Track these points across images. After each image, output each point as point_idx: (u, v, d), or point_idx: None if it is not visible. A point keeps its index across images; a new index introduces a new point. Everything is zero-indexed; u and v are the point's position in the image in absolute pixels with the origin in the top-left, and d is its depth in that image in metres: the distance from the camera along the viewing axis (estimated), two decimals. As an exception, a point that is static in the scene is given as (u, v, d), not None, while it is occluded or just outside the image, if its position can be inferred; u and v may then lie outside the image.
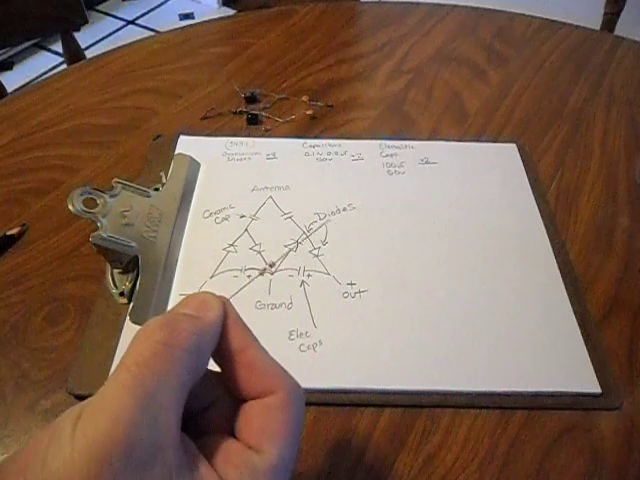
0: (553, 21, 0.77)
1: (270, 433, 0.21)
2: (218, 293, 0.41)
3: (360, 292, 0.42)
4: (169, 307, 0.41)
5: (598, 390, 0.37)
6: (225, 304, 0.24)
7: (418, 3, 0.81)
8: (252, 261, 0.44)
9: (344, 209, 0.49)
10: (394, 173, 0.52)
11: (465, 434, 0.35)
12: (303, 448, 0.35)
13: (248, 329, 0.24)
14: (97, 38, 2.13)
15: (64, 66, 0.98)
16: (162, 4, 2.37)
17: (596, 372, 0.38)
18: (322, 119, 0.60)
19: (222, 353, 0.23)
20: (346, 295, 0.42)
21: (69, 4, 0.93)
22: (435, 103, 0.62)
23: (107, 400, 0.18)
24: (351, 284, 0.43)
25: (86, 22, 0.99)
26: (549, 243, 0.46)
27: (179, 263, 0.44)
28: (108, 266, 0.43)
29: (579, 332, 0.40)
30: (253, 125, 0.59)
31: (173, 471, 0.19)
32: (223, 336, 0.23)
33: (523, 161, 0.54)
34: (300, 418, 0.22)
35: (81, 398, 0.36)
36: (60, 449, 0.17)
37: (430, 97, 0.63)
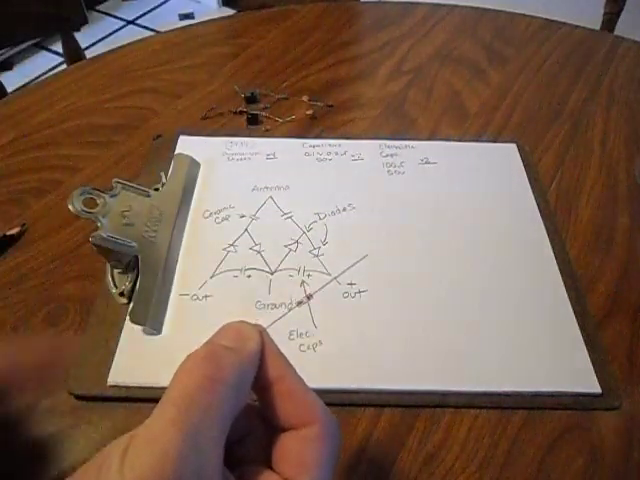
0: (553, 21, 0.77)
1: (307, 466, 0.22)
2: (218, 293, 0.41)
3: (360, 292, 0.42)
4: (169, 307, 0.41)
5: (598, 390, 0.37)
6: (262, 334, 0.24)
7: (418, 3, 0.81)
8: (252, 261, 0.44)
9: (344, 209, 0.49)
10: (394, 173, 0.52)
11: (465, 434, 0.35)
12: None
13: (284, 358, 0.24)
14: (97, 38, 2.13)
15: (64, 66, 0.98)
16: (162, 4, 2.37)
17: (596, 372, 0.38)
18: (322, 119, 0.60)
19: (259, 383, 0.23)
20: (346, 295, 0.42)
21: (69, 4, 0.93)
22: (435, 103, 0.62)
23: (154, 434, 0.19)
24: (351, 284, 0.43)
25: (86, 22, 0.99)
26: (549, 243, 0.46)
27: (179, 263, 0.44)
28: (108, 266, 0.43)
29: (579, 332, 0.40)
30: (253, 125, 0.59)
31: None
32: (261, 366, 0.23)
33: (523, 161, 0.54)
34: (336, 451, 0.22)
35: (81, 398, 0.36)
36: None
37: (430, 97, 0.63)
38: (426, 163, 0.54)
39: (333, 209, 0.49)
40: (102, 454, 0.19)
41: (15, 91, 0.78)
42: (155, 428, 0.19)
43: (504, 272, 0.44)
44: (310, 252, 0.45)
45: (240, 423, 0.23)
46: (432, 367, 0.38)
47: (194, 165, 0.52)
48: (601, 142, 0.58)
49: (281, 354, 0.24)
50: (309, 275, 0.43)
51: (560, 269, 0.44)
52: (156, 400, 0.21)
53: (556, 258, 0.45)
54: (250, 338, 0.23)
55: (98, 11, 2.31)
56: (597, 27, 0.96)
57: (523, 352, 0.39)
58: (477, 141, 0.57)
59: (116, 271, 0.43)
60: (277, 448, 0.23)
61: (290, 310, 0.42)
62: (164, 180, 0.49)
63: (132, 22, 2.26)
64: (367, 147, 0.55)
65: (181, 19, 2.28)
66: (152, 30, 2.20)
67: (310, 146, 0.55)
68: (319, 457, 0.22)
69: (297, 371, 0.23)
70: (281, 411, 0.23)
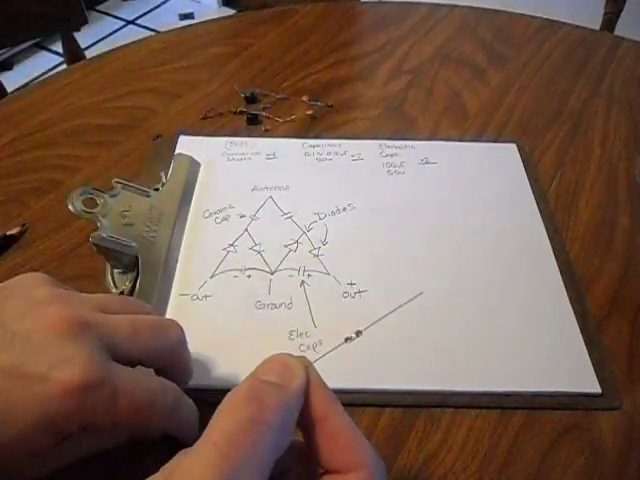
0: (553, 21, 0.77)
1: None
2: (218, 293, 0.41)
3: (360, 292, 0.42)
4: (169, 307, 0.41)
5: (598, 390, 0.37)
6: (308, 368, 0.23)
7: (418, 3, 0.81)
8: (252, 261, 0.44)
9: (344, 209, 0.49)
10: (394, 173, 0.52)
11: (465, 434, 0.35)
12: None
13: (331, 394, 0.23)
14: (97, 38, 2.13)
15: (64, 66, 0.98)
16: (162, 4, 2.38)
17: (596, 372, 0.38)
18: (322, 119, 0.60)
19: (304, 420, 0.22)
20: (346, 295, 0.42)
21: (69, 4, 0.93)
22: (435, 103, 0.62)
23: (194, 477, 0.18)
24: (351, 284, 0.43)
25: (86, 22, 0.99)
26: (549, 243, 0.46)
27: (179, 263, 0.44)
28: (108, 266, 0.43)
29: (579, 332, 0.40)
30: (253, 125, 0.59)
31: None
32: (305, 403, 0.22)
33: (523, 161, 0.54)
34: None
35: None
36: None
37: (430, 97, 0.63)
38: (426, 163, 0.54)
39: (333, 209, 0.49)
40: None
41: (15, 91, 0.78)
42: (195, 471, 0.18)
43: (504, 272, 0.44)
44: (310, 252, 0.45)
45: (283, 458, 0.22)
46: (432, 367, 0.38)
47: (194, 165, 0.52)
48: (601, 142, 0.58)
49: (328, 391, 0.23)
50: (309, 275, 0.43)
51: (560, 269, 0.44)
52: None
53: (556, 258, 0.45)
54: (296, 375, 0.22)
55: (98, 11, 2.31)
56: (597, 27, 0.96)
57: (523, 352, 0.39)
58: (477, 141, 0.57)
59: (116, 271, 0.43)
60: None
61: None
62: (164, 180, 0.49)
63: (132, 22, 2.26)
64: (367, 147, 0.55)
65: (181, 19, 2.28)
66: (152, 30, 2.20)
67: (310, 146, 0.55)
68: None
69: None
70: (326, 453, 0.22)
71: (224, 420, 0.20)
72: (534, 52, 0.71)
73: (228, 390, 0.35)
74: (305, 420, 0.22)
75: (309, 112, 0.60)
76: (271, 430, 0.20)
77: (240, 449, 0.19)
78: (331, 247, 0.46)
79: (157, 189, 0.47)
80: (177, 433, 0.30)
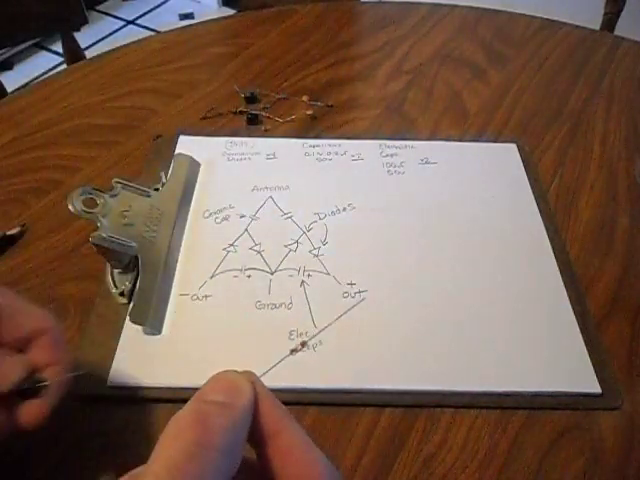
0: (553, 21, 0.77)
1: None
2: (218, 293, 0.41)
3: (360, 292, 0.42)
4: (169, 307, 0.41)
5: (598, 390, 0.37)
6: (255, 384, 0.22)
7: (418, 3, 0.81)
8: (252, 261, 0.44)
9: (344, 209, 0.49)
10: (394, 173, 0.52)
11: (465, 434, 0.35)
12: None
13: (281, 407, 0.22)
14: (97, 38, 2.13)
15: (64, 66, 0.98)
16: (162, 4, 2.37)
17: (596, 372, 0.38)
18: (322, 119, 0.60)
19: (255, 437, 0.21)
20: (346, 295, 0.42)
21: (69, 4, 0.93)
22: (435, 103, 0.62)
23: None
24: (351, 284, 0.43)
25: (86, 22, 0.99)
26: (549, 243, 0.46)
27: (179, 263, 0.44)
28: (108, 266, 0.43)
29: (579, 332, 0.40)
30: (253, 125, 0.59)
31: None
32: (255, 419, 0.21)
33: (523, 161, 0.54)
34: None
35: (81, 398, 0.36)
36: None
37: (430, 97, 0.63)
38: (426, 163, 0.54)
39: (333, 209, 0.49)
40: None
41: (15, 91, 0.78)
42: None
43: (504, 272, 0.44)
44: (310, 252, 0.45)
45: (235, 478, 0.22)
46: (432, 367, 0.38)
47: (194, 165, 0.52)
48: (601, 142, 0.58)
49: (278, 405, 0.22)
50: (309, 275, 0.43)
51: (560, 269, 0.44)
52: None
53: (556, 258, 0.45)
54: (242, 391, 0.21)
55: (98, 11, 2.31)
56: (597, 27, 0.96)
57: (523, 352, 0.39)
58: (477, 141, 0.57)
59: (116, 271, 0.43)
60: None
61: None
62: (164, 180, 0.49)
63: (132, 22, 2.26)
64: (367, 147, 0.55)
65: (181, 19, 2.28)
66: (152, 30, 2.20)
67: (310, 146, 0.55)
68: None
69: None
70: (279, 468, 0.21)
71: (167, 447, 0.18)
72: (534, 52, 0.71)
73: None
74: (256, 436, 0.21)
75: (309, 112, 0.60)
76: (219, 454, 0.19)
77: (185, 477, 0.18)
78: (331, 247, 0.46)
79: (157, 189, 0.47)
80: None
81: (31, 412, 0.28)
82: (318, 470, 0.21)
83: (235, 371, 0.22)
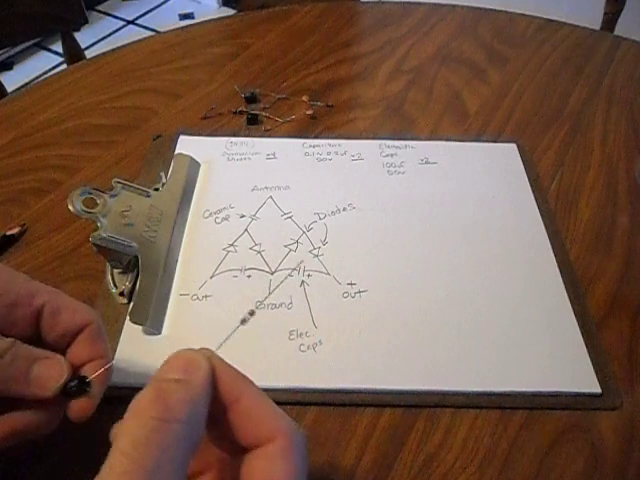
0: (553, 21, 0.77)
1: None
2: (218, 293, 0.41)
3: (360, 292, 0.42)
4: (169, 307, 0.41)
5: (598, 390, 0.37)
6: (211, 358, 0.23)
7: (418, 3, 0.81)
8: (252, 261, 0.44)
9: (344, 209, 0.49)
10: (394, 173, 0.52)
11: (465, 434, 0.35)
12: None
13: (239, 376, 0.23)
14: (97, 38, 2.13)
15: (64, 66, 0.98)
16: (162, 4, 2.37)
17: (596, 372, 0.38)
18: (322, 119, 0.60)
19: (217, 407, 0.22)
20: (346, 295, 0.42)
21: (69, 4, 0.93)
22: (435, 103, 0.62)
23: None
24: (351, 284, 0.43)
25: (86, 22, 0.99)
26: (549, 243, 0.46)
27: (179, 263, 0.44)
28: (108, 266, 0.43)
29: (579, 332, 0.40)
30: (253, 125, 0.59)
31: None
32: (215, 390, 0.22)
33: (523, 161, 0.54)
34: (303, 463, 0.22)
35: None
36: None
37: (430, 97, 0.63)
38: (426, 163, 0.54)
39: (333, 209, 0.49)
40: None
41: (15, 91, 0.78)
42: None
43: (504, 272, 0.44)
44: (310, 252, 0.45)
45: (201, 456, 0.23)
46: (432, 367, 0.38)
47: (194, 165, 0.52)
48: (601, 142, 0.58)
49: (235, 374, 0.23)
50: (309, 275, 0.43)
51: (560, 269, 0.44)
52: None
53: (556, 258, 0.45)
54: (199, 367, 0.22)
55: (98, 11, 2.31)
56: (597, 27, 0.96)
57: (523, 352, 0.39)
58: (477, 141, 0.57)
59: (116, 271, 0.43)
60: (244, 471, 0.22)
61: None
62: (164, 180, 0.49)
63: (132, 22, 2.26)
64: (367, 147, 0.55)
65: (181, 19, 2.28)
66: (152, 30, 2.20)
67: (310, 146, 0.55)
68: (287, 472, 0.21)
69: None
70: (243, 431, 0.22)
71: (130, 427, 0.19)
72: (534, 52, 0.71)
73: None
74: (218, 407, 0.22)
75: (309, 112, 0.60)
76: (182, 426, 0.20)
77: (151, 451, 0.18)
78: (331, 247, 0.46)
79: (157, 189, 0.47)
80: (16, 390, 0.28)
81: (78, 410, 0.29)
82: (278, 427, 0.22)
83: (191, 349, 0.23)
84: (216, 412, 0.22)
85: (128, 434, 0.19)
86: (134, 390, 0.37)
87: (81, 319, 0.29)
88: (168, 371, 0.22)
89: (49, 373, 0.27)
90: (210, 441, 0.24)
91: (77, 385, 0.28)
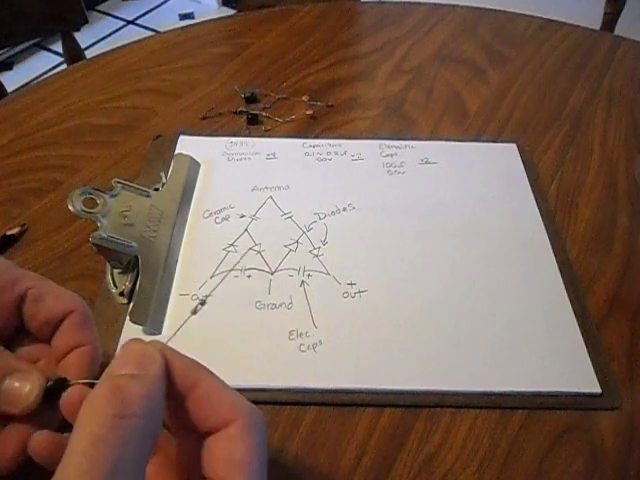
0: (553, 21, 0.77)
1: (236, 462, 0.21)
2: (218, 293, 0.41)
3: (360, 292, 0.42)
4: (169, 307, 0.41)
5: (598, 390, 0.37)
6: (163, 350, 0.23)
7: (418, 3, 0.81)
8: (252, 261, 0.44)
9: (344, 209, 0.49)
10: (394, 173, 0.52)
11: (465, 434, 0.35)
12: (303, 448, 0.35)
13: (195, 364, 0.23)
14: (97, 38, 2.13)
15: (64, 66, 0.98)
16: (162, 4, 2.37)
17: (596, 372, 0.38)
18: (322, 119, 0.60)
19: (174, 397, 0.22)
20: (346, 295, 0.42)
21: (69, 4, 0.93)
22: (435, 103, 0.62)
23: None
24: (351, 284, 0.43)
25: (86, 22, 0.99)
26: (549, 243, 0.46)
27: (179, 263, 0.44)
28: (108, 266, 0.43)
29: (579, 332, 0.40)
30: (253, 125, 0.59)
31: None
32: (170, 382, 0.22)
33: (523, 161, 0.54)
34: (263, 442, 0.22)
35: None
36: None
37: (430, 97, 0.63)
38: (426, 163, 0.54)
39: (333, 209, 0.49)
40: None
41: (15, 91, 0.78)
42: None
43: (504, 272, 0.44)
44: (310, 252, 0.45)
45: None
46: (432, 367, 0.38)
47: (194, 165, 0.52)
48: (601, 142, 0.58)
49: (190, 363, 0.23)
50: (309, 275, 0.43)
51: (560, 269, 0.44)
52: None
53: (556, 258, 0.45)
54: (152, 360, 0.22)
55: (98, 11, 2.31)
56: (597, 27, 0.96)
57: (523, 352, 0.39)
58: (477, 141, 0.57)
59: (116, 271, 0.43)
60: (205, 455, 0.22)
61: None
62: (164, 180, 0.49)
63: (132, 22, 2.26)
64: (367, 147, 0.55)
65: (181, 19, 2.28)
66: (152, 30, 2.20)
67: (310, 146, 0.55)
68: (248, 451, 0.21)
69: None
70: (203, 417, 0.22)
71: (86, 425, 0.19)
72: (534, 52, 0.71)
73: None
74: (175, 396, 0.22)
75: (309, 112, 0.60)
76: (140, 421, 0.20)
77: (111, 447, 0.18)
78: (331, 247, 0.46)
79: (157, 189, 0.47)
80: None
81: (37, 443, 0.27)
82: (237, 409, 0.22)
83: (141, 340, 0.23)
84: (174, 401, 0.22)
85: (85, 432, 0.19)
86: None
87: (64, 306, 0.29)
88: (122, 366, 0.21)
89: (20, 388, 0.26)
90: (170, 430, 0.24)
91: (54, 387, 0.26)
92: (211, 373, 0.23)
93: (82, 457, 0.18)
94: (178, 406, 0.23)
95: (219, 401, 0.22)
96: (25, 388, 0.26)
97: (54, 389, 0.26)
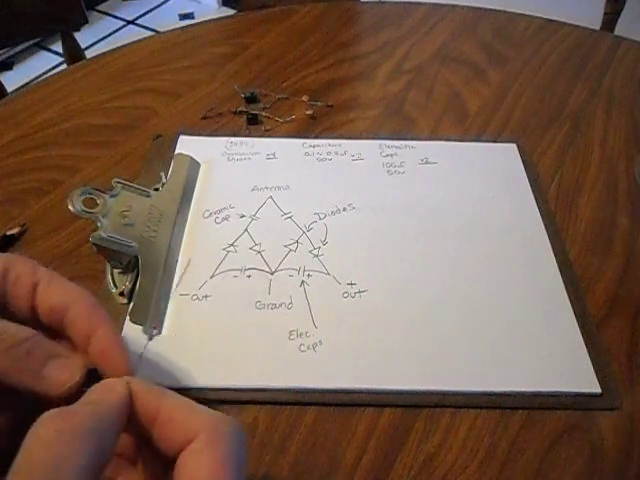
0: (553, 21, 0.77)
1: (202, 478, 0.20)
2: (218, 293, 0.41)
3: (360, 292, 0.42)
4: (169, 307, 0.41)
5: (598, 390, 0.37)
6: (130, 383, 0.23)
7: (418, 3, 0.81)
8: (252, 261, 0.44)
9: (344, 209, 0.49)
10: (394, 173, 0.52)
11: (465, 434, 0.35)
12: (303, 448, 0.35)
13: (157, 390, 0.23)
14: (97, 38, 2.13)
15: (64, 66, 0.98)
16: (162, 4, 2.37)
17: (596, 372, 0.38)
18: (322, 119, 0.60)
19: (140, 426, 0.23)
20: (346, 295, 0.42)
21: (69, 4, 0.93)
22: (435, 103, 0.62)
23: None
24: (351, 284, 0.43)
25: (86, 22, 0.99)
26: (549, 243, 0.46)
27: (179, 263, 0.44)
28: (108, 266, 0.43)
29: (579, 332, 0.40)
30: (253, 125, 0.59)
31: None
32: (134, 411, 0.22)
33: (523, 161, 0.54)
34: (234, 452, 0.21)
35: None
36: None
37: (430, 97, 0.63)
38: (426, 163, 0.54)
39: (333, 209, 0.49)
40: None
41: (15, 91, 0.78)
42: None
43: (504, 272, 0.44)
44: (310, 252, 0.45)
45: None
46: (432, 367, 0.38)
47: (194, 165, 0.52)
48: (601, 142, 0.58)
49: (153, 389, 0.23)
50: (309, 275, 0.43)
51: (560, 269, 0.44)
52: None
53: (556, 258, 0.45)
54: (112, 390, 0.22)
55: (98, 11, 2.31)
56: (597, 27, 0.96)
57: (523, 352, 0.39)
58: (477, 141, 0.57)
59: (116, 271, 0.43)
60: (175, 475, 0.22)
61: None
62: (164, 180, 0.49)
63: (132, 22, 2.26)
64: (367, 147, 0.55)
65: (181, 19, 2.28)
66: (152, 30, 2.20)
67: (310, 146, 0.55)
68: (214, 465, 0.21)
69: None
70: (167, 438, 0.22)
71: (27, 446, 0.19)
72: (534, 52, 0.71)
73: (229, 389, 0.35)
74: (141, 426, 0.23)
75: (309, 112, 0.60)
76: (80, 434, 0.20)
77: (48, 463, 0.18)
78: (331, 247, 0.46)
79: (157, 189, 0.47)
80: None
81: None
82: (200, 423, 0.22)
83: (111, 378, 0.24)
84: (141, 430, 0.23)
85: (24, 454, 0.19)
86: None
87: (69, 294, 0.29)
88: (85, 397, 0.22)
89: (63, 372, 0.26)
90: (147, 465, 0.24)
91: (86, 378, 0.27)
92: (174, 395, 0.23)
93: (25, 455, 0.19)
94: (145, 435, 0.23)
95: (181, 419, 0.22)
96: (67, 372, 0.26)
97: (89, 377, 0.27)
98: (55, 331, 0.29)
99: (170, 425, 0.22)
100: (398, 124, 0.59)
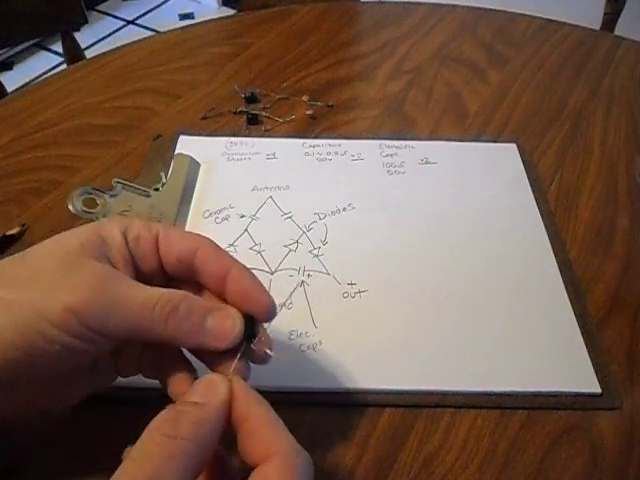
0: (553, 21, 0.77)
1: None
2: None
3: (360, 292, 0.42)
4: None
5: (598, 390, 0.37)
6: (232, 382, 0.24)
7: (418, 3, 0.81)
8: (252, 261, 0.44)
9: (344, 209, 0.49)
10: (394, 173, 0.52)
11: (465, 434, 0.35)
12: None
13: (255, 396, 0.24)
14: (97, 38, 2.13)
15: (64, 66, 0.98)
16: (162, 4, 2.38)
17: (596, 372, 0.38)
18: (322, 119, 0.60)
19: (232, 428, 0.24)
20: (346, 295, 0.42)
21: (69, 4, 0.93)
22: (435, 103, 0.62)
23: None
24: (351, 284, 0.43)
25: (86, 22, 0.99)
26: (549, 243, 0.46)
27: (179, 263, 0.44)
28: (108, 266, 0.43)
29: (579, 332, 0.40)
30: (253, 125, 0.59)
31: None
32: (231, 411, 0.24)
33: (523, 161, 0.54)
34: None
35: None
36: None
37: (430, 97, 0.63)
38: (426, 163, 0.54)
39: (333, 209, 0.49)
40: None
41: (15, 91, 0.78)
42: None
43: (504, 272, 0.44)
44: (310, 252, 0.45)
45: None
46: (432, 367, 0.38)
47: (194, 165, 0.52)
48: (601, 142, 0.58)
49: (251, 394, 0.24)
50: (309, 275, 0.43)
51: (560, 269, 0.44)
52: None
53: (556, 258, 0.45)
54: (217, 391, 0.24)
55: (98, 11, 2.31)
56: (597, 27, 0.96)
57: (523, 352, 0.39)
58: (477, 141, 0.57)
59: (116, 271, 0.43)
60: None
61: None
62: (164, 180, 0.49)
63: (132, 22, 2.26)
64: (367, 147, 0.55)
65: (181, 19, 2.28)
66: (152, 30, 2.20)
67: (310, 146, 0.55)
68: None
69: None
70: (248, 450, 0.23)
71: (143, 439, 0.22)
72: (534, 52, 0.71)
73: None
74: (233, 427, 0.24)
75: (309, 112, 0.60)
76: (187, 443, 0.21)
77: (154, 460, 0.21)
78: (331, 247, 0.46)
79: (157, 189, 0.47)
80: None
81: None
82: (277, 446, 0.23)
83: (217, 374, 0.25)
84: (233, 429, 0.24)
85: (139, 445, 0.22)
86: (137, 391, 0.37)
87: (191, 241, 0.28)
88: (191, 394, 0.24)
89: (224, 324, 0.27)
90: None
91: (247, 327, 0.27)
92: (266, 407, 0.24)
93: (131, 463, 0.21)
94: (234, 435, 0.24)
95: (261, 436, 0.23)
96: (229, 322, 0.27)
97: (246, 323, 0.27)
98: (181, 282, 0.29)
99: (252, 437, 0.23)
100: (398, 124, 0.59)
